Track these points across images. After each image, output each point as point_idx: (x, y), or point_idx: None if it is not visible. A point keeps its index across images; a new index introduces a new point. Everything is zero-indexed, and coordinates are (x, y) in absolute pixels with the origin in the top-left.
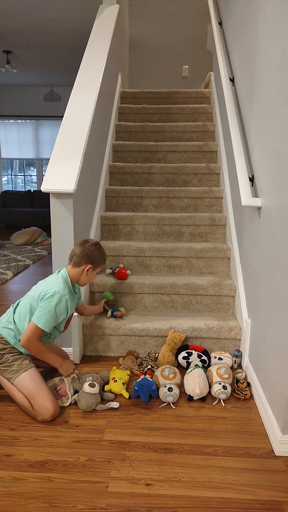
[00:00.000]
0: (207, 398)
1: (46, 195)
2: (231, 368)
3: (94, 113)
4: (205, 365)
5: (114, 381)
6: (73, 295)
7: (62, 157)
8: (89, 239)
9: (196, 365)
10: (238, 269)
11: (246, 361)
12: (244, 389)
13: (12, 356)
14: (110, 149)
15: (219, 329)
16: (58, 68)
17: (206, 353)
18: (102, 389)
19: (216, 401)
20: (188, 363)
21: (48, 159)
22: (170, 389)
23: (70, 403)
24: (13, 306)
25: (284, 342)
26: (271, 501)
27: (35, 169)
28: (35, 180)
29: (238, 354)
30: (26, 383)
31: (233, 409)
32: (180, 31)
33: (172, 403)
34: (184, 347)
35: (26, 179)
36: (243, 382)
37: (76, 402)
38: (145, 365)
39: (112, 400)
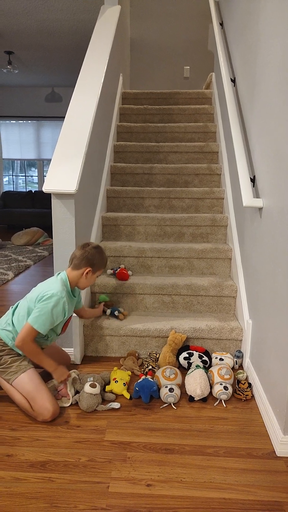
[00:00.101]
0: (208, 398)
1: (47, 196)
2: (232, 368)
3: (96, 114)
4: (206, 365)
5: (115, 382)
6: (72, 298)
7: (63, 157)
8: (90, 242)
9: (197, 366)
10: (239, 269)
11: (247, 362)
12: (245, 389)
13: (11, 357)
14: (111, 150)
15: (220, 330)
16: (59, 69)
17: (207, 353)
18: (103, 389)
19: (217, 402)
20: (189, 364)
21: (49, 160)
22: (171, 390)
23: (71, 404)
24: (12, 308)
25: (286, 343)
26: (272, 501)
27: (36, 170)
28: (36, 181)
29: (239, 355)
30: (25, 384)
31: (234, 410)
32: (181, 32)
33: (173, 404)
34: (185, 347)
35: (27, 180)
36: (244, 382)
37: (77, 402)
38: (146, 365)
39: (113, 401)
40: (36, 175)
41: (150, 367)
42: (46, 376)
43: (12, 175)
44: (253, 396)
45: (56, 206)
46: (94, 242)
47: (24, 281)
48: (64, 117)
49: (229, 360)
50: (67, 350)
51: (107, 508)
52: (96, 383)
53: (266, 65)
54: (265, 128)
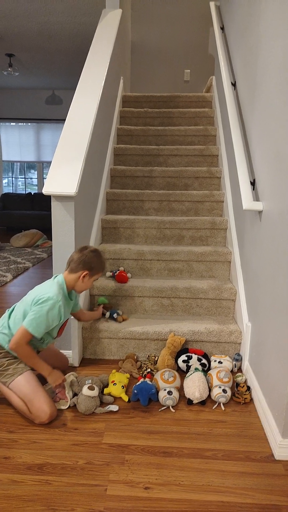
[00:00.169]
0: (206, 401)
1: (47, 198)
2: (231, 371)
3: (96, 116)
4: (205, 368)
5: (114, 384)
6: (68, 301)
7: (64, 160)
8: (88, 245)
9: (196, 369)
10: (239, 272)
11: (246, 365)
12: (244, 393)
13: (7, 360)
14: (111, 153)
15: (219, 333)
16: (60, 72)
17: (206, 356)
18: (101, 392)
19: (215, 405)
20: (188, 367)
21: (49, 162)
22: (169, 393)
23: (69, 406)
24: (8, 310)
25: (285, 346)
26: (270, 505)
27: (36, 172)
28: (36, 183)
29: (238, 358)
30: (22, 386)
31: (233, 413)
32: (181, 36)
33: (172, 407)
34: (184, 350)
35: (27, 182)
36: (243, 385)
37: (75, 405)
38: (145, 368)
39: (111, 403)
40: (36, 177)
41: (149, 369)
42: (43, 379)
43: (12, 177)
44: (251, 399)
45: (56, 208)
46: (92, 246)
47: (22, 283)
48: (64, 120)
49: (228, 363)
50: (66, 352)
51: (104, 511)
52: (95, 386)
53: (267, 67)
54: (266, 131)
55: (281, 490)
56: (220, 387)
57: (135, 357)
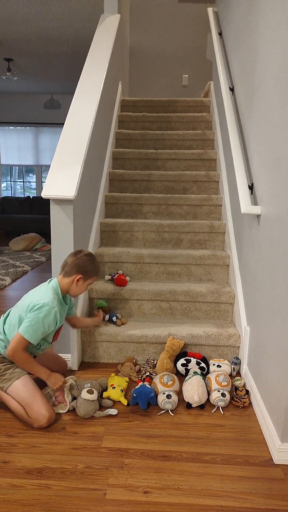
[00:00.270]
0: (205, 405)
1: (45, 202)
2: (230, 375)
3: (95, 120)
4: (204, 372)
5: (113, 388)
6: (63, 306)
7: (62, 164)
8: (83, 249)
9: (195, 372)
10: (237, 276)
11: (244, 369)
12: (242, 396)
13: (4, 365)
14: (110, 156)
15: (218, 336)
16: (58, 76)
17: (204, 360)
18: (100, 396)
19: (214, 409)
20: (187, 370)
21: (48, 166)
22: (168, 396)
23: (68, 410)
24: (3, 316)
25: (284, 350)
26: (269, 509)
27: (34, 176)
28: (34, 187)
29: (236, 362)
30: (20, 390)
31: (232, 417)
32: (180, 41)
33: (171, 411)
34: (182, 354)
35: (25, 186)
36: (242, 389)
37: (74, 408)
38: (144, 372)
39: (111, 407)
40: (34, 181)
41: (148, 373)
42: (41, 384)
43: (10, 181)
44: (250, 403)
45: (55, 212)
46: (87, 250)
47: (21, 286)
48: (62, 124)
49: (226, 367)
50: (65, 356)
51: None
52: (94, 389)
53: (265, 70)
54: (264, 135)
55: (280, 494)
56: (219, 390)
57: (134, 361)
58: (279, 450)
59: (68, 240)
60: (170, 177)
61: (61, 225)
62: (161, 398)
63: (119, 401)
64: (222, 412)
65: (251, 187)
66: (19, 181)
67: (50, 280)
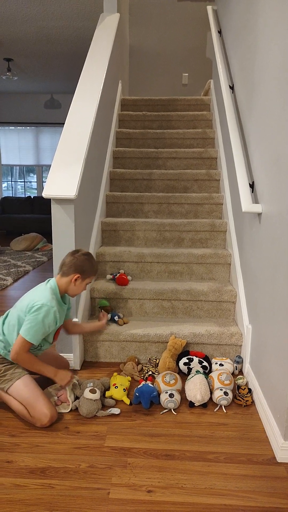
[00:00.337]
0: (208, 404)
1: (46, 201)
2: (232, 374)
3: (95, 120)
4: (206, 371)
5: (115, 387)
6: (62, 305)
7: (63, 163)
8: (81, 249)
9: (197, 371)
10: (239, 275)
11: (247, 367)
12: (245, 395)
13: (4, 366)
14: (110, 156)
15: (220, 335)
16: (58, 76)
17: (207, 359)
18: (103, 395)
19: (217, 408)
20: (189, 369)
21: (48, 166)
22: (171, 395)
23: (71, 409)
24: (2, 317)
25: (285, 349)
26: (273, 508)
27: (35, 176)
28: (35, 187)
29: (239, 360)
30: (21, 390)
31: (235, 416)
32: (179, 39)
33: (173, 410)
34: (185, 353)
35: (26, 186)
36: (245, 388)
37: (77, 408)
38: (146, 371)
39: (113, 406)
40: (35, 180)
41: (150, 372)
42: (42, 384)
43: (11, 181)
44: (253, 402)
45: (56, 212)
46: (84, 249)
47: (23, 286)
48: (63, 124)
49: (229, 365)
50: (67, 355)
51: None
52: (96, 389)
53: (265, 69)
54: (264, 133)
55: (284, 492)
56: (221, 389)
57: (136, 360)
58: (282, 448)
59: (69, 239)
60: (171, 176)
61: (62, 225)
62: (163, 397)
63: (122, 401)
64: (225, 411)
65: (251, 185)
66: (19, 181)
67: (48, 280)
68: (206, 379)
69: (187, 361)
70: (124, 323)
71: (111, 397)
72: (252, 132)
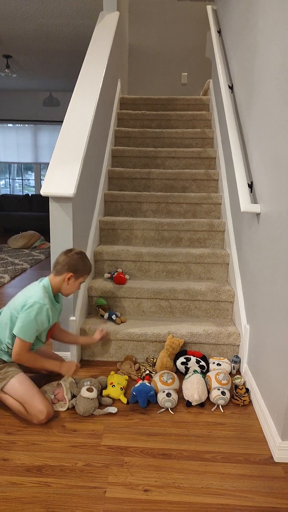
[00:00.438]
0: (205, 403)
1: (44, 199)
2: (230, 374)
3: (94, 118)
4: (204, 370)
5: (112, 386)
6: (54, 304)
7: (62, 161)
8: (74, 248)
9: (195, 371)
10: (237, 274)
11: (244, 367)
12: (243, 395)
13: None
14: (109, 154)
15: (217, 335)
16: (57, 73)
17: (204, 358)
18: (100, 394)
19: (214, 407)
20: (187, 369)
21: (46, 164)
22: (168, 395)
23: (68, 408)
24: None
25: (284, 348)
26: (270, 508)
27: (33, 173)
28: (33, 184)
29: (236, 360)
30: (16, 388)
31: (232, 415)
32: (179, 39)
33: (171, 409)
34: (182, 352)
35: (24, 183)
36: (242, 388)
37: (73, 406)
38: (143, 370)
39: (110, 405)
40: (33, 178)
41: (147, 371)
42: (36, 382)
43: (9, 179)
44: (250, 402)
45: (54, 210)
46: (78, 248)
47: (20, 284)
48: (61, 121)
49: (226, 365)
50: (64, 354)
51: None
52: (93, 388)
53: (265, 69)
54: (264, 133)
55: (281, 492)
56: (219, 389)
57: (134, 359)
58: (279, 448)
59: (67, 237)
60: (170, 175)
61: (60, 223)
62: (161, 397)
63: (119, 399)
64: (222, 411)
65: (250, 185)
66: (17, 179)
67: (41, 279)
68: (204, 378)
69: (184, 360)
70: (121, 322)
71: (108, 396)
72: (251, 132)
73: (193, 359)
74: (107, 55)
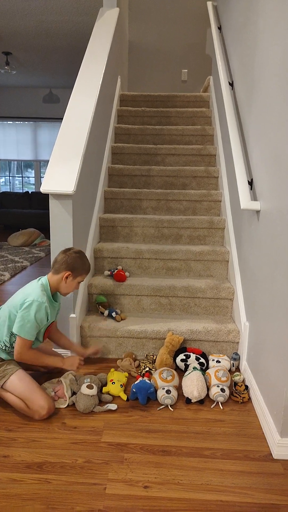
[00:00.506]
0: (205, 400)
1: (44, 197)
2: (229, 371)
3: (94, 115)
4: (203, 367)
5: (112, 383)
6: (53, 302)
7: (61, 158)
8: (73, 247)
9: (194, 368)
10: (237, 272)
11: (244, 364)
12: (242, 392)
13: None
14: (109, 151)
15: (217, 332)
16: (57, 70)
17: (204, 355)
18: (100, 391)
19: (214, 404)
20: (186, 366)
21: (46, 161)
22: (168, 392)
23: (68, 405)
24: None
25: (284, 345)
26: (269, 504)
27: (33, 171)
28: (33, 182)
29: (236, 357)
30: (16, 385)
31: (231, 412)
32: (179, 35)
33: (170, 406)
34: (182, 349)
35: (24, 181)
36: (241, 385)
37: (74, 403)
38: (143, 367)
39: (110, 402)
40: (33, 176)
41: (147, 368)
42: (36, 379)
43: (9, 176)
44: (250, 399)
45: (54, 207)
46: (77, 247)
47: (20, 282)
48: (61, 118)
49: (226, 362)
50: (63, 351)
51: (104, 510)
52: (93, 384)
53: (265, 66)
54: (264, 130)
55: (280, 489)
56: (218, 386)
57: (134, 356)
58: (278, 445)
59: (67, 235)
60: (170, 172)
61: (60, 220)
62: (160, 393)
63: (119, 396)
64: (222, 407)
65: (250, 183)
66: (17, 176)
67: (40, 278)
68: (203, 375)
69: (184, 357)
70: (121, 319)
71: (108, 393)
72: (251, 129)
73: (193, 356)
74: (107, 52)
